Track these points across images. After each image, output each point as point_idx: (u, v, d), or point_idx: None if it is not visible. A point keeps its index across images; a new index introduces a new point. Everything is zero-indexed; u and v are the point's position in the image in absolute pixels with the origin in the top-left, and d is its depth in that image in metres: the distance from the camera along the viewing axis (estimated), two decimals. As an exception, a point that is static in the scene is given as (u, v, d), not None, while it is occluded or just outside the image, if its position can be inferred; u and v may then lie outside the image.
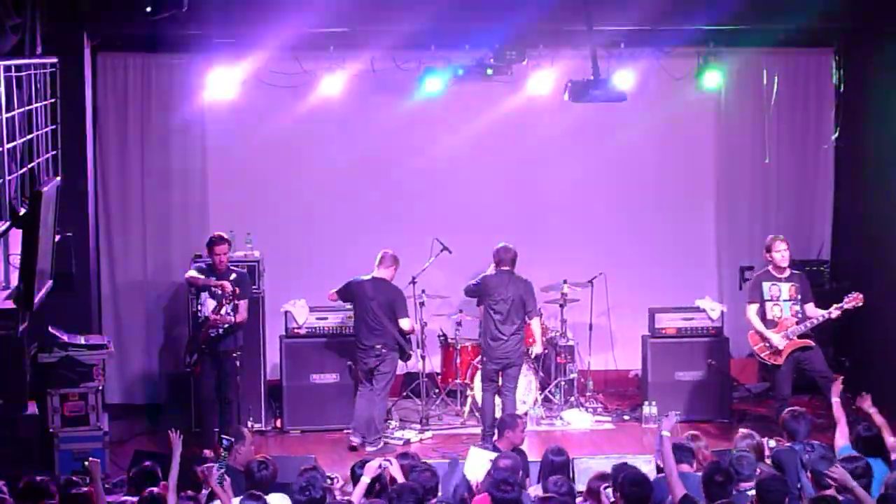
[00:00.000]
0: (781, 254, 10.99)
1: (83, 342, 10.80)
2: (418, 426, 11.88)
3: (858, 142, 12.89)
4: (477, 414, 11.97)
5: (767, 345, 10.92)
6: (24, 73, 8.09)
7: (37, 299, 7.65)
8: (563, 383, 12.39)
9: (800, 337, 10.85)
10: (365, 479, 7.79)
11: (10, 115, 7.53)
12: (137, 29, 10.93)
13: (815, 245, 13.43)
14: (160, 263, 12.84)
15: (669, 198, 13.45)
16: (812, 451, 8.28)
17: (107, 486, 9.18)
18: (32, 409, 9.92)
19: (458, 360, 12.28)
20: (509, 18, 11.36)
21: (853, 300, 10.67)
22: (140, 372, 12.88)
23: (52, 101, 9.00)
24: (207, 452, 9.14)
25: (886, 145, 12.30)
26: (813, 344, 10.90)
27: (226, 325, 10.88)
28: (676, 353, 12.24)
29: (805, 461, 8.19)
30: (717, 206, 13.56)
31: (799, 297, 10.97)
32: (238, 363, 10.95)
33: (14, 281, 7.81)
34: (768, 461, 8.43)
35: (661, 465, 7.94)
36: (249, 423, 11.42)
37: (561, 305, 12.46)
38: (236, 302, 10.84)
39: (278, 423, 12.02)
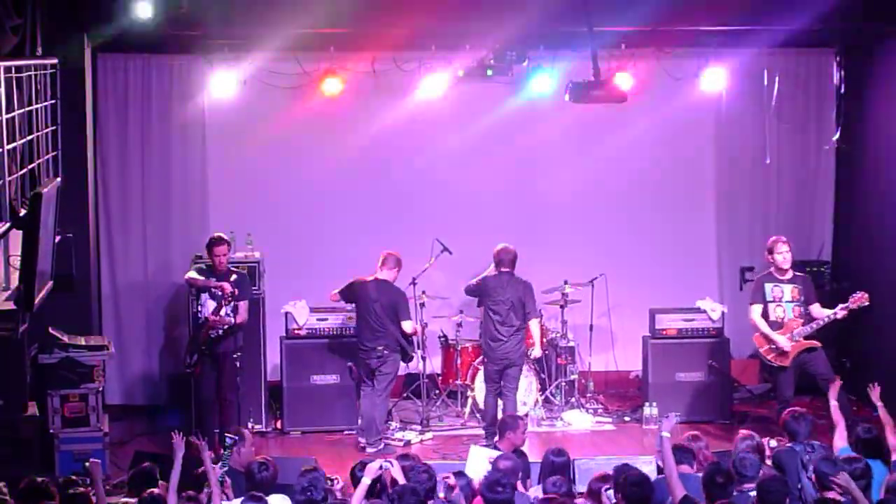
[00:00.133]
0: (783, 255, 10.97)
1: (83, 343, 10.80)
2: (419, 427, 11.87)
3: (859, 142, 12.90)
4: (478, 415, 11.97)
5: (773, 347, 10.90)
6: (24, 74, 8.09)
7: (37, 300, 7.64)
8: (563, 384, 12.39)
9: (806, 338, 10.83)
10: (366, 481, 7.77)
11: (10, 115, 7.54)
12: (137, 30, 10.90)
13: (816, 246, 13.43)
14: (160, 264, 12.84)
15: (670, 198, 13.45)
16: (812, 452, 8.29)
17: (107, 487, 9.18)
18: (33, 410, 9.91)
19: (459, 361, 12.28)
20: (510, 19, 11.36)
21: (859, 300, 10.63)
22: (140, 373, 12.88)
23: (53, 102, 9.00)
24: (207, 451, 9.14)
25: (887, 146, 12.31)
26: (819, 345, 10.89)
27: (226, 326, 10.87)
28: (677, 354, 12.24)
29: (806, 462, 8.20)
30: (717, 206, 13.56)
31: (802, 298, 10.96)
32: (238, 364, 10.96)
33: (14, 282, 7.80)
34: (769, 462, 8.42)
35: (662, 466, 7.94)
36: (250, 424, 11.41)
37: (561, 306, 12.46)
38: (236, 303, 10.84)
39: (278, 425, 12.02)
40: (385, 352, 11.29)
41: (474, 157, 13.09)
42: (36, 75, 8.52)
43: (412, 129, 12.94)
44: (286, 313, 11.98)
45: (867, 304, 10.62)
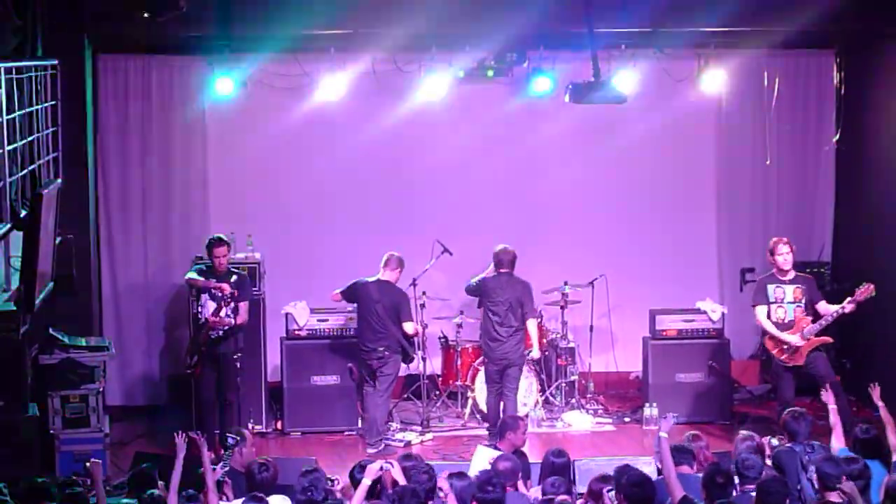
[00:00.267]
0: (784, 257, 10.96)
1: (84, 344, 10.80)
2: (419, 428, 11.88)
3: (859, 143, 12.90)
4: (478, 415, 11.98)
5: (785, 346, 10.88)
6: (24, 76, 8.10)
7: (38, 301, 7.66)
8: (563, 385, 12.39)
9: (817, 335, 10.82)
10: (366, 482, 7.77)
11: (10, 116, 7.55)
12: (138, 31, 10.91)
13: (816, 246, 13.43)
14: (161, 265, 12.84)
15: (670, 199, 13.45)
16: (812, 453, 8.29)
17: (108, 487, 9.19)
18: (33, 410, 9.91)
19: (459, 362, 12.28)
20: (510, 20, 11.36)
21: (865, 291, 10.59)
22: (141, 373, 12.88)
23: (53, 103, 9.01)
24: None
25: (887, 147, 12.31)
26: (830, 340, 10.89)
27: (226, 327, 10.88)
28: (677, 354, 12.24)
29: (805, 462, 8.20)
30: (717, 207, 13.56)
31: (804, 299, 10.95)
32: (238, 365, 10.96)
33: (15, 283, 7.81)
34: (769, 461, 8.42)
35: (660, 467, 7.94)
36: (250, 425, 11.41)
37: (562, 307, 12.46)
38: (236, 304, 10.84)
39: (279, 425, 12.02)
40: (386, 353, 11.30)
41: (475, 157, 13.09)
42: (36, 76, 8.53)
43: (412, 131, 12.94)
44: (286, 314, 11.98)
45: (874, 294, 10.59)
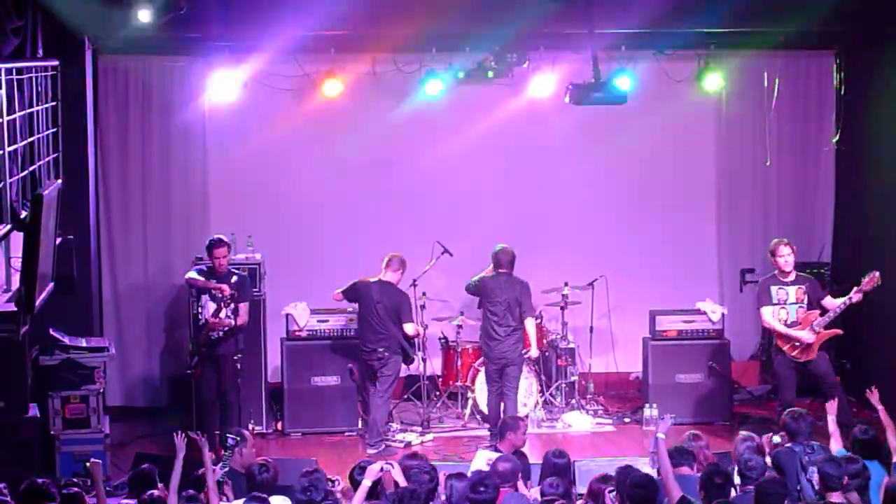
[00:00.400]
0: (785, 258, 10.95)
1: (84, 345, 10.81)
2: (419, 429, 11.88)
3: (859, 144, 12.90)
4: (478, 416, 11.98)
5: (796, 343, 10.86)
6: (25, 76, 8.11)
7: (38, 302, 7.65)
8: (563, 386, 12.40)
9: (826, 328, 10.81)
10: (366, 483, 7.77)
11: (11, 117, 7.55)
12: (138, 32, 10.91)
13: (816, 247, 13.42)
14: (161, 266, 12.84)
15: (670, 200, 13.44)
16: (812, 453, 8.28)
17: (108, 488, 9.18)
18: (33, 411, 9.92)
19: (459, 363, 12.28)
20: (510, 21, 11.36)
21: (872, 280, 10.55)
22: (141, 374, 12.88)
23: (53, 104, 9.03)
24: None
25: (887, 147, 12.31)
26: (840, 332, 10.88)
27: (226, 328, 10.88)
28: (677, 355, 12.23)
29: (805, 463, 8.19)
30: (717, 208, 13.55)
31: (806, 298, 10.95)
32: (239, 366, 10.96)
33: (15, 283, 7.81)
34: (768, 460, 8.41)
35: (658, 468, 7.93)
36: (250, 426, 11.41)
37: (562, 308, 12.46)
38: (236, 305, 10.84)
39: (279, 426, 12.02)
40: (386, 353, 11.30)
41: (475, 158, 13.09)
42: (37, 77, 8.54)
43: (412, 131, 12.95)
44: (287, 315, 11.98)
45: (880, 283, 10.56)
